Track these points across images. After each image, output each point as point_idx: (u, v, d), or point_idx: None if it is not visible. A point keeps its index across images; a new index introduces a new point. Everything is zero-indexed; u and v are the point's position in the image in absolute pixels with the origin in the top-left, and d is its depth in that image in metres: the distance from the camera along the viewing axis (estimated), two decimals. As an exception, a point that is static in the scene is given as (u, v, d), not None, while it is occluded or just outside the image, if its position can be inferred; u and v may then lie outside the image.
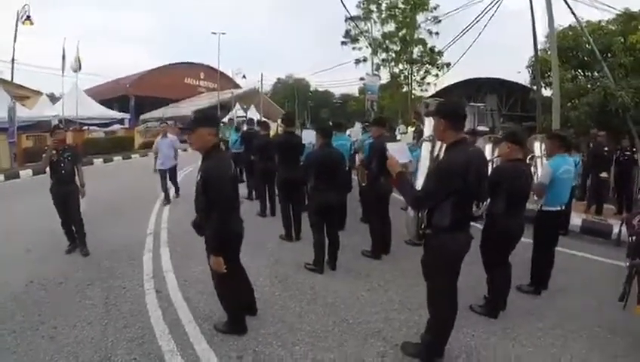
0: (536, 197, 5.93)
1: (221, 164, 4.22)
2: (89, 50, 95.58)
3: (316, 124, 18.81)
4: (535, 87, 21.07)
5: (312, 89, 71.12)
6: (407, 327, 4.45)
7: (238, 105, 41.76)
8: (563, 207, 6.13)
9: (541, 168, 6.57)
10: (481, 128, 21.68)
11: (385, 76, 37.26)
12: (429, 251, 4.03)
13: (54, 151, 7.01)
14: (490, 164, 6.44)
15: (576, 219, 9.66)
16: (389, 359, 4.12)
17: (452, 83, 34.80)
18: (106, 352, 4.07)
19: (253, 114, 37.86)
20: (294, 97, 62.99)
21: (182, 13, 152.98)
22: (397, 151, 4.26)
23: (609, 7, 20.44)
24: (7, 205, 11.46)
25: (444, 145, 3.95)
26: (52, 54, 64.19)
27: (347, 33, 38.08)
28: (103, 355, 4.02)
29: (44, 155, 7.13)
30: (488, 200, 5.20)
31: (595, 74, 20.97)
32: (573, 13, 17.71)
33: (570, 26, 21.23)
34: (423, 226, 4.02)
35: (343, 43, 38.43)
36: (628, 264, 4.58)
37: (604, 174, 11.05)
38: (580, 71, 22.72)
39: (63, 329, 4.54)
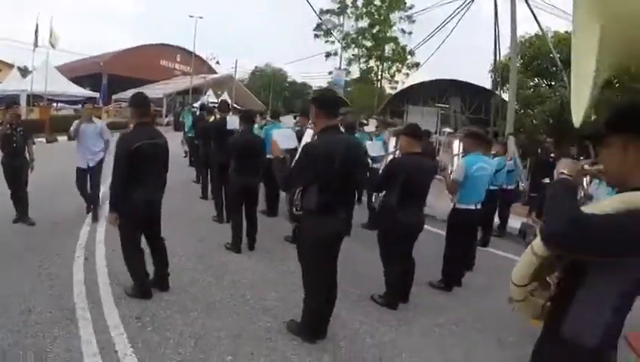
0: (450, 195, 6.15)
1: (129, 138, 4.83)
2: (65, 27, 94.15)
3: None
4: (497, 92, 21.87)
5: (289, 80, 71.37)
6: (300, 307, 4.53)
7: (211, 91, 41.90)
8: (478, 206, 6.16)
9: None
10: (445, 129, 22.46)
11: (356, 71, 37.87)
12: (300, 233, 4.35)
13: (8, 126, 7.52)
14: (392, 157, 6.84)
15: (515, 222, 10.15)
16: (272, 333, 4.52)
17: (417, 83, 35.32)
18: (28, 305, 4.65)
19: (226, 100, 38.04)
20: (270, 86, 63.09)
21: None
22: (282, 137, 4.48)
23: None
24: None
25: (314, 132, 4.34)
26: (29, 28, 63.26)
27: (319, 26, 38.48)
28: (25, 307, 4.60)
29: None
30: (383, 192, 5.50)
31: (556, 83, 21.26)
32: (537, 22, 18.14)
33: (536, 34, 21.91)
34: (296, 208, 4.24)
35: (315, 36, 38.87)
36: None
37: (546, 180, 11.56)
38: (542, 79, 23.45)
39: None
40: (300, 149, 4.60)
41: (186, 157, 15.86)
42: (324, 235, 4.14)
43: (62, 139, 22.54)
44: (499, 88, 22.61)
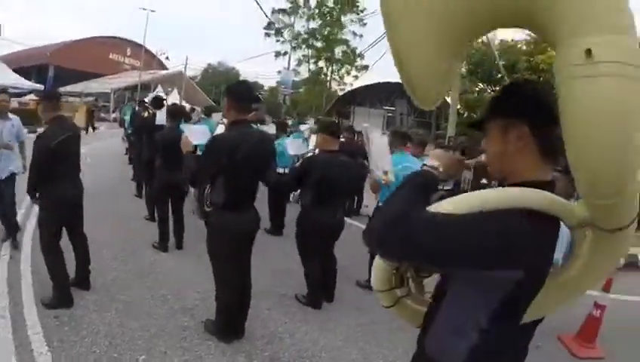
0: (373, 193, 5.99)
1: (49, 135, 4.71)
2: (9, 15, 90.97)
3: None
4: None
5: (241, 78, 70.95)
6: None
7: (160, 88, 41.32)
8: None
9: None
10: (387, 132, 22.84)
11: (305, 72, 38.02)
12: (209, 229, 4.32)
13: None
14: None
15: None
16: (188, 332, 4.57)
17: (364, 85, 35.68)
18: None
19: (175, 97, 37.73)
20: (222, 85, 62.38)
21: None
22: (194, 132, 4.44)
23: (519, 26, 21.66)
24: None
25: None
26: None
27: (269, 25, 38.48)
28: None
29: None
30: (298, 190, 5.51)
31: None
32: None
33: (482, 41, 22.51)
34: (207, 204, 4.28)
35: (266, 35, 38.84)
36: None
37: (484, 180, 11.84)
38: (487, 85, 24.15)
39: None
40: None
41: (126, 154, 15.67)
42: (234, 231, 4.14)
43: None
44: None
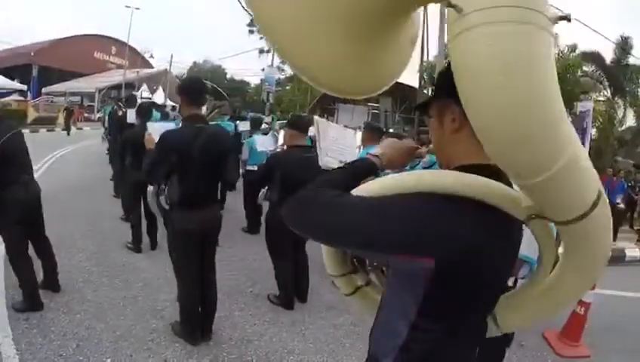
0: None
1: None
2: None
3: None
4: (425, 91, 22.48)
5: (228, 76, 70.67)
6: None
7: (145, 86, 41.17)
8: None
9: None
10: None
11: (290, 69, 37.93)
12: (167, 227, 4.34)
13: None
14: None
15: None
16: (155, 334, 4.57)
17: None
18: None
19: (160, 95, 37.58)
20: (208, 83, 62.01)
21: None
22: (158, 131, 4.34)
23: None
24: None
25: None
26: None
27: (252, 21, 38.38)
28: None
29: None
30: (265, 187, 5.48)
31: None
32: None
33: None
34: (165, 201, 4.20)
35: (250, 32, 38.65)
36: None
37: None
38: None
39: None
40: None
41: (107, 153, 15.68)
42: (189, 228, 4.09)
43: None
44: (427, 88, 23.18)
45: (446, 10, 1.08)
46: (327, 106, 32.63)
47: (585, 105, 10.39)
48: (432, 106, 1.49)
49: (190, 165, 3.94)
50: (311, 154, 5.22)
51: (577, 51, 20.16)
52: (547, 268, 1.52)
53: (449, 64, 1.28)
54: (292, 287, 5.53)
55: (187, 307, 4.36)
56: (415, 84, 25.61)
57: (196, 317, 4.41)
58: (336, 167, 4.08)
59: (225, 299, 5.31)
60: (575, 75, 18.44)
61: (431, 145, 1.70)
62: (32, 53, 44.73)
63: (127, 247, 6.98)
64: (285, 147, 5.92)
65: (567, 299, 1.58)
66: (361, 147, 6.32)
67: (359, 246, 1.32)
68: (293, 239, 5.26)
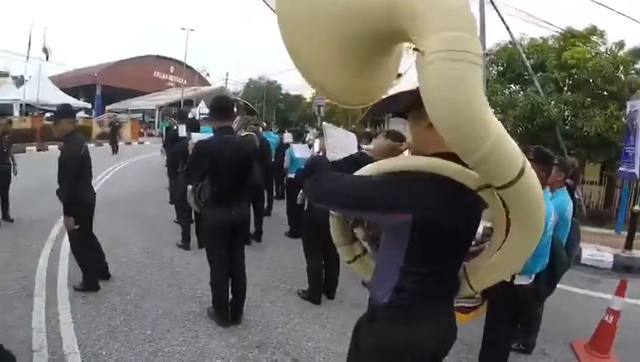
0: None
1: (72, 146, 5.44)
2: (57, 38, 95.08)
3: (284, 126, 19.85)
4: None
5: (283, 92, 71.47)
6: None
7: (202, 103, 42.33)
8: None
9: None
10: None
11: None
12: (201, 222, 4.99)
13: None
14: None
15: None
16: (192, 316, 5.16)
17: (397, 92, 35.51)
18: None
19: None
20: (264, 98, 63.09)
21: (155, 7, 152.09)
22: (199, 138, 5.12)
23: (548, 23, 20.48)
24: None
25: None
26: (22, 38, 64.18)
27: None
28: None
29: None
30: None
31: (529, 88, 21.22)
32: (508, 29, 18.41)
33: (510, 42, 22.19)
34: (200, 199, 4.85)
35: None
36: None
37: None
38: (517, 85, 23.62)
39: None
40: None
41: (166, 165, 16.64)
42: (218, 223, 4.75)
43: (52, 148, 23.43)
44: None
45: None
46: (377, 118, 32.76)
47: (635, 105, 10.48)
48: (410, 114, 2.04)
49: (220, 169, 4.62)
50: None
51: (625, 49, 19.08)
52: (501, 230, 2.03)
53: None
54: (321, 283, 5.89)
55: (217, 290, 4.96)
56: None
57: (225, 301, 5.00)
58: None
59: (259, 291, 5.92)
60: (627, 72, 17.70)
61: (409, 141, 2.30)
62: (96, 74, 47.03)
63: (178, 246, 7.78)
64: (321, 153, 6.21)
65: (522, 254, 2.03)
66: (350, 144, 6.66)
67: (359, 208, 1.93)
68: (328, 238, 5.61)
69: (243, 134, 5.03)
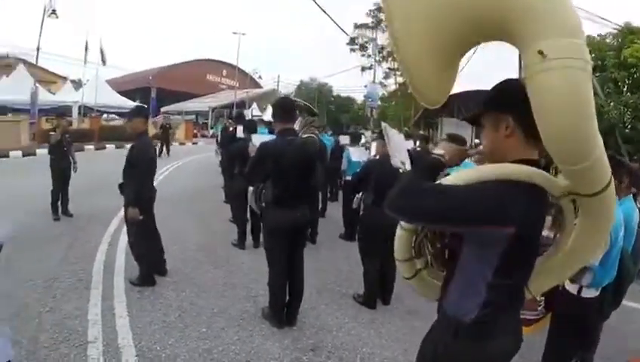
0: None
1: (143, 146, 5.69)
2: (113, 43, 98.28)
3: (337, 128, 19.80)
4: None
5: (334, 93, 71.49)
6: None
7: (255, 105, 42.96)
8: None
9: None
10: (477, 141, 22.34)
11: (393, 84, 38.09)
12: (262, 222, 4.98)
13: (60, 134, 8.96)
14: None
15: None
16: (246, 315, 5.14)
17: (452, 93, 35.04)
18: (53, 275, 5.86)
19: (269, 113, 38.92)
20: (315, 100, 63.21)
21: (206, 12, 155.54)
22: (259, 140, 5.22)
23: (606, 20, 19.74)
24: (22, 178, 13.44)
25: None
26: (80, 44, 66.56)
27: (353, 40, 38.71)
28: (50, 276, 5.80)
29: (52, 134, 9.07)
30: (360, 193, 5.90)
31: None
32: None
33: None
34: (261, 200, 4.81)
35: (351, 50, 39.03)
36: None
37: None
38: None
39: (31, 258, 6.41)
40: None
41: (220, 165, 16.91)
42: (280, 224, 4.69)
43: (109, 146, 24.13)
44: None
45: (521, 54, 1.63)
46: (431, 120, 32.42)
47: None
48: (485, 117, 1.93)
49: (282, 170, 4.58)
50: None
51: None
52: (569, 236, 2.01)
53: (497, 85, 1.94)
54: (377, 288, 5.77)
55: (275, 291, 4.91)
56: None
57: (282, 302, 4.94)
58: (399, 165, 4.44)
59: (314, 293, 5.82)
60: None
61: (480, 147, 2.15)
62: (151, 77, 48.15)
63: (233, 244, 7.80)
64: (378, 156, 6.22)
65: (586, 258, 2.11)
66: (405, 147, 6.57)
67: (450, 221, 1.76)
68: (384, 242, 5.46)
69: (304, 136, 4.93)
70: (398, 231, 2.29)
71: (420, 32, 1.81)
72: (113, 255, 6.76)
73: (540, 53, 1.48)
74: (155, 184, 6.05)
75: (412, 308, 5.65)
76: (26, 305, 4.98)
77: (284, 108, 4.84)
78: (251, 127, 8.19)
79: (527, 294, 2.06)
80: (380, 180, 5.38)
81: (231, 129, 11.33)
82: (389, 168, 5.17)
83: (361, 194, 5.99)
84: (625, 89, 18.71)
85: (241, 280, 6.23)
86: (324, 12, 14.78)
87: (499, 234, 1.69)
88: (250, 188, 5.01)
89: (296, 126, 4.96)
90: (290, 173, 4.60)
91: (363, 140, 12.05)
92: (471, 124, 2.02)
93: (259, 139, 5.42)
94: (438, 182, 1.89)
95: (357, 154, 8.63)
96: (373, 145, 8.60)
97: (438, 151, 2.03)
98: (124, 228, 7.24)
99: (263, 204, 4.77)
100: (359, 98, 61.86)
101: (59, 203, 8.91)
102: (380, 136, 5.86)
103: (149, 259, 5.81)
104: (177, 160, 20.97)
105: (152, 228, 6.06)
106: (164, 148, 22.81)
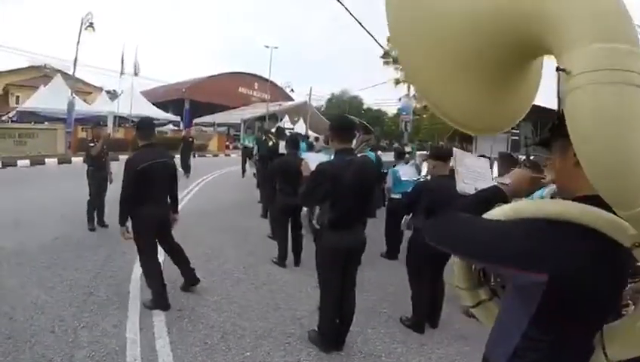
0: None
1: (134, 159, 5.29)
2: (148, 55, 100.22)
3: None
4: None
5: (365, 107, 71.35)
6: None
7: (287, 118, 43.12)
8: None
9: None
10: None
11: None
12: (317, 244, 4.66)
13: (100, 144, 8.99)
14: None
15: None
16: (292, 339, 4.88)
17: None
18: (90, 288, 5.77)
19: (301, 126, 39.16)
20: (347, 113, 62.72)
21: (238, 26, 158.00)
22: (313, 158, 5.00)
23: None
24: (57, 185, 13.59)
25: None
26: (116, 56, 68.11)
27: (387, 53, 38.69)
28: (88, 290, 5.70)
29: (93, 145, 9.01)
30: (410, 214, 5.69)
31: None
32: None
33: None
34: (317, 222, 4.67)
35: (384, 63, 38.90)
36: None
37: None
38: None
39: (68, 269, 6.39)
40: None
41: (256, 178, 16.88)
42: (336, 247, 4.45)
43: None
44: (560, 109, 22.08)
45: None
46: (466, 135, 32.11)
47: None
48: (555, 144, 1.70)
49: (341, 192, 4.32)
50: (452, 182, 5.33)
51: None
52: None
53: None
54: (426, 312, 5.54)
55: (326, 317, 4.67)
56: (553, 106, 24.46)
57: (333, 326, 4.71)
58: (472, 192, 4.09)
59: (360, 316, 5.40)
60: None
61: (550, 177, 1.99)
62: (184, 89, 49.06)
63: (273, 262, 7.45)
64: (429, 177, 6.06)
65: None
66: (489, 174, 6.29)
67: (487, 260, 1.63)
68: (434, 265, 5.41)
69: (359, 155, 4.74)
70: (455, 258, 2.05)
71: (433, 57, 1.72)
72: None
73: (562, 70, 1.27)
74: (190, 195, 5.82)
75: (461, 333, 5.43)
76: (62, 320, 4.84)
77: (343, 127, 4.61)
78: (294, 142, 7.99)
79: (602, 358, 1.66)
80: (433, 203, 5.11)
81: (271, 143, 11.17)
82: (445, 191, 4.99)
83: (409, 216, 5.82)
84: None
85: (284, 301, 5.94)
86: (360, 24, 14.55)
87: (532, 279, 1.47)
88: (305, 210, 4.75)
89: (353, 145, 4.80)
90: (348, 195, 4.36)
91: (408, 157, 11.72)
92: (544, 148, 1.77)
93: (313, 159, 5.17)
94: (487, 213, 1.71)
95: (406, 174, 8.26)
96: (424, 165, 8.35)
97: (503, 179, 1.89)
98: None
99: (318, 226, 4.58)
100: (390, 111, 61.88)
101: (95, 213, 8.81)
102: (431, 156, 5.68)
103: (158, 280, 5.44)
104: (211, 172, 20.81)
105: (167, 243, 5.85)
106: (184, 165, 18.62)
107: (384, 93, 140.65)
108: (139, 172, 5.17)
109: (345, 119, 4.94)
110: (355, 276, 4.83)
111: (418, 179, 7.75)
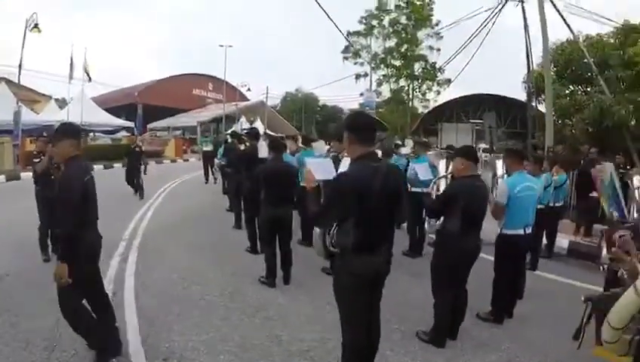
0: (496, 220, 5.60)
1: (74, 173, 4.13)
2: (97, 59, 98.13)
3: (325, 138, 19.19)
4: (532, 103, 21.42)
5: (320, 103, 71.19)
6: (339, 349, 3.90)
7: (243, 118, 42.43)
8: (528, 230, 5.60)
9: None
10: (480, 145, 22.03)
11: (386, 91, 37.86)
12: (335, 270, 3.85)
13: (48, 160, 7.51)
14: (444, 180, 6.72)
15: (563, 241, 9.37)
16: (308, 380, 4.21)
17: (451, 99, 35.39)
18: (52, 342, 4.58)
19: (259, 126, 38.51)
20: (302, 111, 63.08)
21: (191, 25, 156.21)
22: (318, 166, 4.11)
23: (607, 19, 19.83)
24: (5, 206, 12.34)
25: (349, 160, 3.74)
26: (63, 60, 66.17)
27: (347, 48, 38.63)
28: (49, 344, 4.55)
29: (36, 161, 7.79)
30: (441, 218, 5.21)
31: (592, 89, 20.81)
32: (568, 26, 17.74)
33: (567, 40, 21.35)
34: (332, 245, 3.74)
35: (344, 58, 38.87)
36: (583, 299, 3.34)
37: (594, 193, 9.28)
38: (577, 86, 22.77)
39: (22, 317, 5.17)
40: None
41: (215, 183, 16.55)
42: (362, 276, 3.56)
43: (98, 167, 22.98)
44: (534, 99, 22.20)
45: None
46: (430, 127, 32.35)
47: None
48: None
49: (369, 207, 3.41)
50: (481, 183, 5.17)
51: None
52: None
53: None
54: (448, 325, 5.05)
55: (356, 353, 3.75)
56: (518, 96, 24.60)
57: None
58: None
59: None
60: None
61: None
62: (136, 93, 48.57)
63: (260, 282, 6.60)
64: (450, 176, 5.80)
65: None
66: (505, 174, 6.41)
67: None
68: (462, 272, 5.08)
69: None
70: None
71: None
72: (121, 307, 5.40)
73: None
74: (153, 208, 4.93)
75: (482, 341, 5.11)
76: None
77: (365, 126, 3.68)
78: (279, 146, 7.19)
79: None
80: (468, 205, 4.84)
81: (243, 147, 10.21)
82: (475, 190, 4.98)
83: (440, 219, 5.36)
84: (628, 87, 18.70)
85: (284, 331, 5.14)
86: (328, 16, 14.08)
87: None
88: (318, 231, 3.85)
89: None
90: (377, 210, 3.46)
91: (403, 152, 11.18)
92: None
93: (318, 165, 4.23)
94: None
95: (424, 173, 7.68)
96: (442, 163, 7.89)
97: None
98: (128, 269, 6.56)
99: (337, 250, 3.65)
100: (347, 107, 61.91)
101: (48, 240, 7.49)
102: (463, 156, 5.15)
103: (97, 331, 4.24)
104: (171, 180, 19.76)
105: (100, 288, 4.53)
106: (131, 180, 15.46)
107: (344, 89, 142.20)
108: (85, 184, 4.10)
109: (365, 117, 4.09)
110: (380, 303, 3.93)
111: (437, 178, 7.20)
